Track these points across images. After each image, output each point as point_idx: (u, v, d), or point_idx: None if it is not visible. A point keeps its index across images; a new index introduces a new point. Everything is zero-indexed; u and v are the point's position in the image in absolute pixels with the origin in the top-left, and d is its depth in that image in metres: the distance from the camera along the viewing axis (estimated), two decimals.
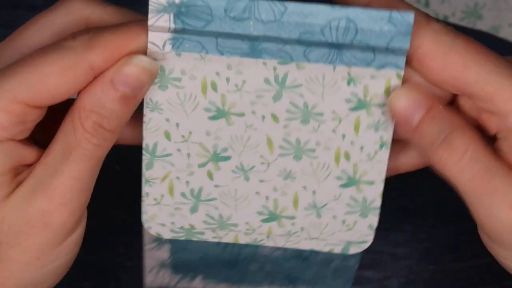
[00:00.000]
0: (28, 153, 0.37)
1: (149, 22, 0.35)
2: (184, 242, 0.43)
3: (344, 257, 0.44)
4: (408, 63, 0.37)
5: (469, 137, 0.36)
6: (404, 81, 0.37)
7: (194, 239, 0.43)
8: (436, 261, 0.57)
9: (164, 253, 0.44)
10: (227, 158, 0.40)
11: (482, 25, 0.61)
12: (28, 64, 0.36)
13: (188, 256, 0.44)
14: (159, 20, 0.35)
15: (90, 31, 0.36)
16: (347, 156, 0.40)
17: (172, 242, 0.44)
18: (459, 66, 0.36)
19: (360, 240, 0.43)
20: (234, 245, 0.44)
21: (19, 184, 0.37)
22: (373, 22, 0.35)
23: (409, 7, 0.37)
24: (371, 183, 0.41)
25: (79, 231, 0.39)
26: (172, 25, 0.35)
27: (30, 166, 0.38)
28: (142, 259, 0.45)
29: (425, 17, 0.37)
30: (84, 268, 0.61)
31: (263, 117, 0.38)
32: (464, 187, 0.37)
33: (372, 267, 0.57)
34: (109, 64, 0.36)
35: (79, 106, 0.36)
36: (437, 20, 0.37)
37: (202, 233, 0.42)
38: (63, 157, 0.36)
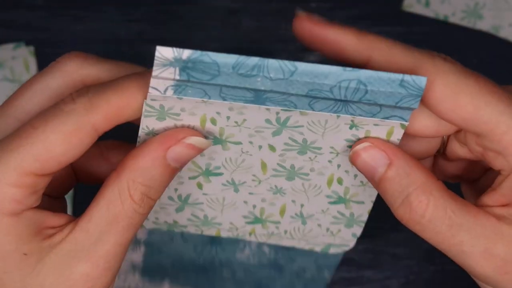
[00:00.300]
0: (47, 216, 0.37)
1: (153, 73, 0.34)
2: (161, 245, 0.43)
3: (318, 268, 0.44)
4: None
5: (429, 196, 0.36)
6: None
7: (176, 230, 0.42)
8: (436, 261, 0.57)
9: (137, 256, 0.44)
10: (219, 174, 0.40)
11: (482, 25, 0.61)
12: (31, 134, 0.35)
13: (161, 260, 0.44)
14: (164, 72, 0.34)
15: (89, 91, 0.36)
16: (340, 181, 0.40)
17: (148, 244, 0.43)
18: (469, 108, 0.36)
19: (341, 243, 0.43)
20: (210, 251, 0.44)
21: (52, 248, 0.37)
22: (384, 84, 0.34)
23: (412, 56, 0.37)
24: (361, 202, 0.41)
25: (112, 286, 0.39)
26: (177, 77, 0.34)
27: (57, 228, 0.37)
28: None
29: (433, 57, 0.36)
30: None
31: (260, 146, 0.38)
32: (430, 241, 0.37)
33: (372, 267, 0.57)
34: (113, 123, 0.36)
35: (128, 178, 0.36)
36: (445, 58, 0.36)
37: (185, 226, 0.42)
38: (108, 226, 0.36)
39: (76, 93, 0.36)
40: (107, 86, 0.36)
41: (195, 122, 0.36)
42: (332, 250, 0.43)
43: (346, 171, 0.39)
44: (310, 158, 0.38)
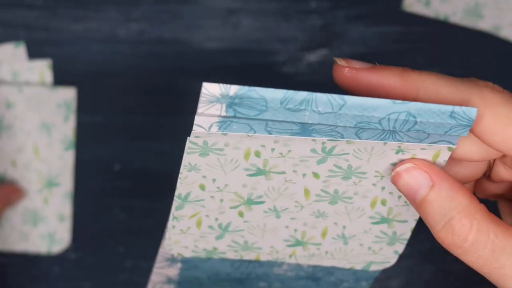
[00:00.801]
0: None
1: (199, 111, 0.33)
2: (197, 261, 0.43)
3: (356, 279, 0.44)
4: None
5: (472, 220, 0.36)
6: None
7: (215, 257, 0.42)
8: (437, 261, 0.57)
9: (173, 271, 0.44)
10: (261, 203, 0.39)
11: (483, 25, 0.61)
12: None
13: (197, 274, 0.44)
14: (210, 109, 0.33)
15: None
16: (384, 202, 0.39)
17: (185, 262, 0.43)
18: None
19: (383, 261, 0.43)
20: (248, 265, 0.43)
21: None
22: (433, 116, 0.34)
23: (459, 90, 0.36)
24: (404, 221, 0.40)
25: None
26: (223, 113, 0.33)
27: None
28: (150, 275, 0.45)
29: (480, 89, 0.36)
30: (84, 268, 0.61)
31: (304, 174, 0.37)
32: (471, 265, 0.37)
33: None
34: None
35: None
36: (493, 88, 0.36)
37: (224, 253, 0.42)
38: None
39: None
40: None
41: (239, 156, 0.36)
42: (373, 268, 0.43)
43: (391, 193, 0.39)
44: (354, 182, 0.38)
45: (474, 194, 0.41)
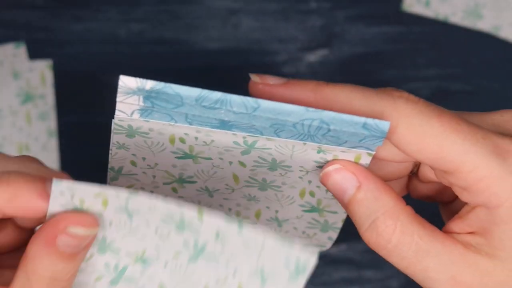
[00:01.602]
0: None
1: (118, 99, 0.34)
2: None
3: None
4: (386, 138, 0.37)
5: (396, 221, 0.36)
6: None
7: None
8: None
9: None
10: (193, 182, 0.39)
11: (483, 25, 0.61)
12: None
13: None
14: (128, 99, 0.34)
15: None
16: (312, 194, 0.40)
17: None
18: (434, 149, 0.36)
19: (319, 244, 0.43)
20: None
21: None
22: (346, 125, 0.34)
23: (372, 103, 0.36)
24: (335, 212, 0.41)
25: None
26: (141, 104, 0.34)
27: None
28: None
29: (394, 100, 0.36)
30: None
31: (231, 162, 0.38)
32: (396, 266, 0.37)
33: (372, 267, 0.57)
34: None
35: (29, 270, 0.35)
36: (408, 98, 0.36)
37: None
38: None
39: None
40: None
41: (164, 140, 0.36)
42: (309, 249, 0.44)
43: (318, 186, 0.39)
44: (280, 174, 0.38)
45: (409, 195, 0.41)
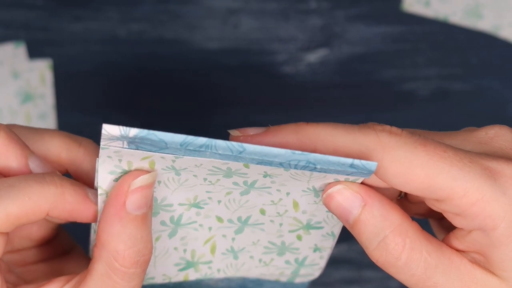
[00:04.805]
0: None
1: (102, 143, 0.34)
2: None
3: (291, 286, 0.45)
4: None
5: (405, 238, 0.36)
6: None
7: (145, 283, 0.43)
8: None
9: None
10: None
11: (483, 25, 0.61)
12: None
13: None
14: (112, 143, 0.34)
15: (3, 184, 0.35)
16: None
17: None
18: (422, 179, 0.35)
19: (307, 274, 0.43)
20: (182, 284, 0.44)
21: None
22: (333, 165, 0.34)
23: (356, 140, 0.36)
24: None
25: None
26: (126, 147, 0.34)
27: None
28: None
29: (377, 134, 0.36)
30: None
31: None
32: (404, 283, 0.37)
33: (372, 267, 0.56)
34: (13, 227, 0.36)
35: (110, 250, 0.36)
36: (390, 131, 0.36)
37: (152, 278, 0.43)
38: None
39: None
40: (6, 193, 0.35)
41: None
42: (298, 280, 0.44)
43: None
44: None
45: None
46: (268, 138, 0.37)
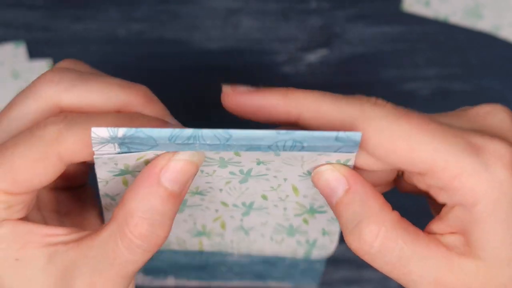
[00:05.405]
0: (38, 228, 0.37)
1: (94, 149, 0.35)
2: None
3: (309, 262, 0.45)
4: None
5: (380, 227, 0.36)
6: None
7: (163, 248, 0.43)
8: None
9: None
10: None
11: (483, 25, 0.61)
12: (1, 155, 0.36)
13: (158, 264, 0.44)
14: (104, 147, 0.35)
15: (62, 121, 0.35)
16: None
17: None
18: (404, 150, 0.35)
19: (322, 248, 0.43)
20: (201, 255, 0.44)
21: (52, 258, 0.36)
22: (319, 141, 0.34)
23: (340, 109, 0.36)
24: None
25: None
26: (118, 149, 0.35)
27: (60, 239, 0.37)
28: None
29: (361, 105, 0.36)
30: None
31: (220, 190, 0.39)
32: (379, 270, 0.37)
33: (372, 267, 0.57)
34: (81, 158, 0.35)
35: (126, 210, 0.35)
36: (375, 103, 0.36)
37: (167, 244, 0.43)
38: (105, 260, 0.36)
39: (50, 119, 0.36)
40: (80, 121, 0.35)
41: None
42: (315, 255, 0.44)
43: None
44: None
45: (397, 189, 0.41)
46: (258, 97, 0.37)
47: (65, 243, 0.36)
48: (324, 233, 0.42)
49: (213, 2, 0.61)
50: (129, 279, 0.37)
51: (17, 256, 0.36)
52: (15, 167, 0.35)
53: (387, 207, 0.36)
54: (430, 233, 0.37)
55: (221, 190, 0.39)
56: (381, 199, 0.37)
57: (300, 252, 0.44)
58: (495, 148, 0.35)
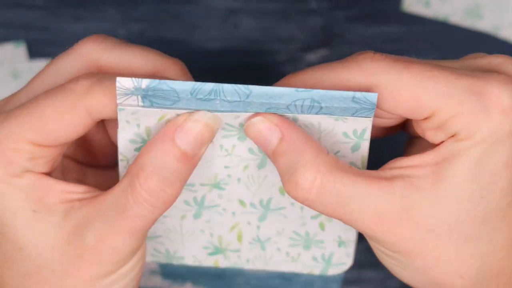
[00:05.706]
0: (58, 183, 0.37)
1: (118, 101, 0.35)
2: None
3: (324, 281, 0.45)
4: None
5: (316, 173, 0.36)
6: None
7: (174, 262, 0.43)
8: None
9: (154, 264, 0.44)
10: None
11: (483, 25, 0.61)
12: (32, 105, 0.36)
13: (177, 268, 0.44)
14: (127, 100, 0.35)
15: (95, 76, 0.36)
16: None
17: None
18: (409, 99, 0.36)
19: (338, 263, 0.44)
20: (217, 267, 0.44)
21: (68, 213, 0.37)
22: (337, 101, 0.35)
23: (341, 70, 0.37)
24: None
25: (139, 256, 0.39)
26: (140, 103, 0.35)
27: (77, 196, 0.38)
28: None
29: (360, 65, 0.37)
30: None
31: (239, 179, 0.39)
32: (322, 213, 0.38)
33: (372, 267, 0.57)
34: (108, 114, 0.36)
35: (138, 165, 0.36)
36: (373, 58, 0.37)
37: (182, 258, 0.43)
38: (117, 215, 0.36)
39: (83, 75, 0.37)
40: (111, 77, 0.36)
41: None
42: (331, 272, 0.44)
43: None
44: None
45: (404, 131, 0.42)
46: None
47: (81, 199, 0.37)
48: (340, 243, 0.42)
49: (213, 2, 0.61)
50: (139, 236, 0.37)
51: (35, 208, 0.37)
52: (43, 117, 0.36)
53: (322, 153, 0.37)
54: (391, 167, 0.37)
55: (239, 180, 0.39)
56: (315, 144, 0.37)
57: (316, 270, 0.44)
58: (498, 93, 0.36)
